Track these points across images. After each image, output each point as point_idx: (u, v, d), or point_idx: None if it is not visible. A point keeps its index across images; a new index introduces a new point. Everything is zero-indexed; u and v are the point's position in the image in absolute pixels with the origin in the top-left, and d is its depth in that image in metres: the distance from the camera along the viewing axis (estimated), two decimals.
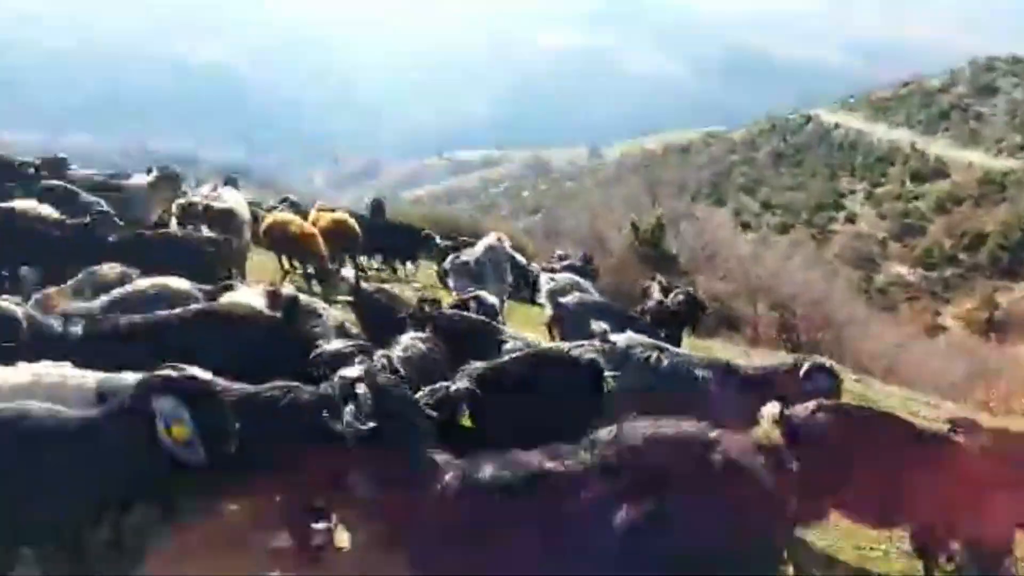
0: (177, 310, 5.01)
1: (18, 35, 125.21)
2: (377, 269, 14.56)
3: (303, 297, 5.94)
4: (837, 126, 60.14)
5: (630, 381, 4.85)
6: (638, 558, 2.87)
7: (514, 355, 4.67)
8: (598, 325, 5.51)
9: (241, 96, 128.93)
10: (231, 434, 3.23)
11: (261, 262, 11.02)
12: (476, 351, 4.72)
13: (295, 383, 3.85)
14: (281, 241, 10.86)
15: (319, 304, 5.81)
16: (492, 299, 6.71)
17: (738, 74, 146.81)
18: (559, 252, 17.31)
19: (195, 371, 3.32)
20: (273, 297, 5.84)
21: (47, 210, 8.50)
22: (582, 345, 5.18)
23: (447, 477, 3.04)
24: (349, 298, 7.29)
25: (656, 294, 8.32)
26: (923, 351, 24.82)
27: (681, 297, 7.84)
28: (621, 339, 5.29)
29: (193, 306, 5.16)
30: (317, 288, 9.86)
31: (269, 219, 11.33)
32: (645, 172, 53.96)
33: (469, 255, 9.36)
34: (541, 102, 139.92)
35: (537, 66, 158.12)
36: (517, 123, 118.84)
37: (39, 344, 4.50)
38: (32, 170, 10.59)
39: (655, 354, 5.24)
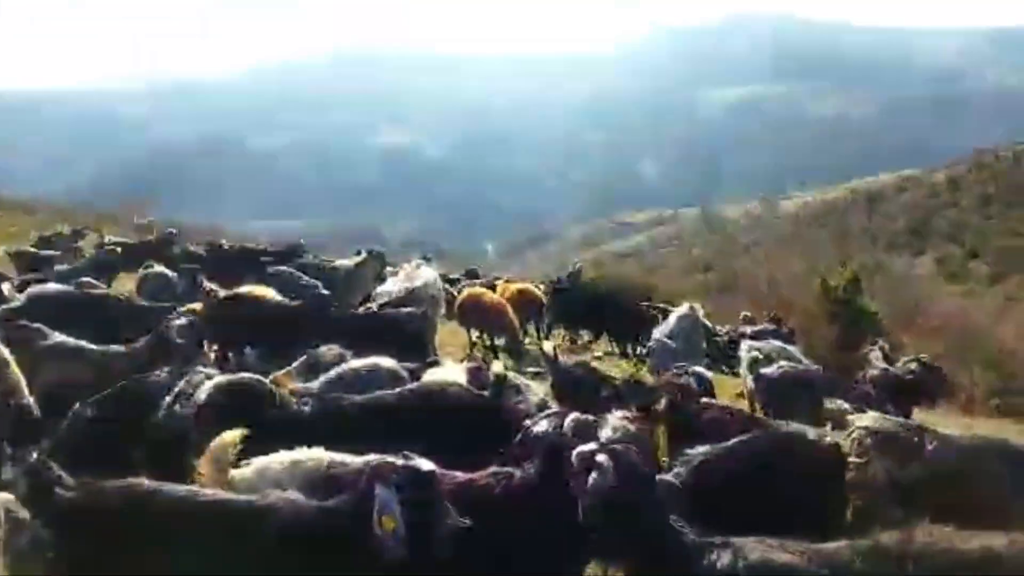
0: (395, 390, 5.31)
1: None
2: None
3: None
4: None
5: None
6: None
7: (744, 438, 4.43)
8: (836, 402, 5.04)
9: (417, 173, 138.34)
10: (442, 533, 3.13)
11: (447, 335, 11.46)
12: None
13: (509, 468, 3.91)
14: (474, 314, 11.08)
15: (522, 380, 5.93)
16: (708, 374, 6.50)
17: (937, 109, 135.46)
18: (744, 313, 16.53)
19: (420, 461, 3.30)
20: (476, 373, 6.05)
21: (271, 293, 9.52)
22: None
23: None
24: (540, 370, 7.39)
25: (878, 361, 7.56)
26: None
27: (914, 365, 7.02)
28: (868, 419, 4.74)
29: (410, 385, 5.44)
30: (508, 361, 10.11)
31: (464, 293, 11.63)
32: (829, 222, 50.80)
33: (664, 329, 9.04)
34: (711, 161, 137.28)
35: (707, 122, 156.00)
36: (686, 184, 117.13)
37: (279, 423, 4.96)
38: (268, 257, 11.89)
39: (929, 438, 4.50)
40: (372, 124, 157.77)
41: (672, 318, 9.22)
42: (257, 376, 5.61)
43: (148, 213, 27.71)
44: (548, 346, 7.22)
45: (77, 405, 5.27)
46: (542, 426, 4.60)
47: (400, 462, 3.26)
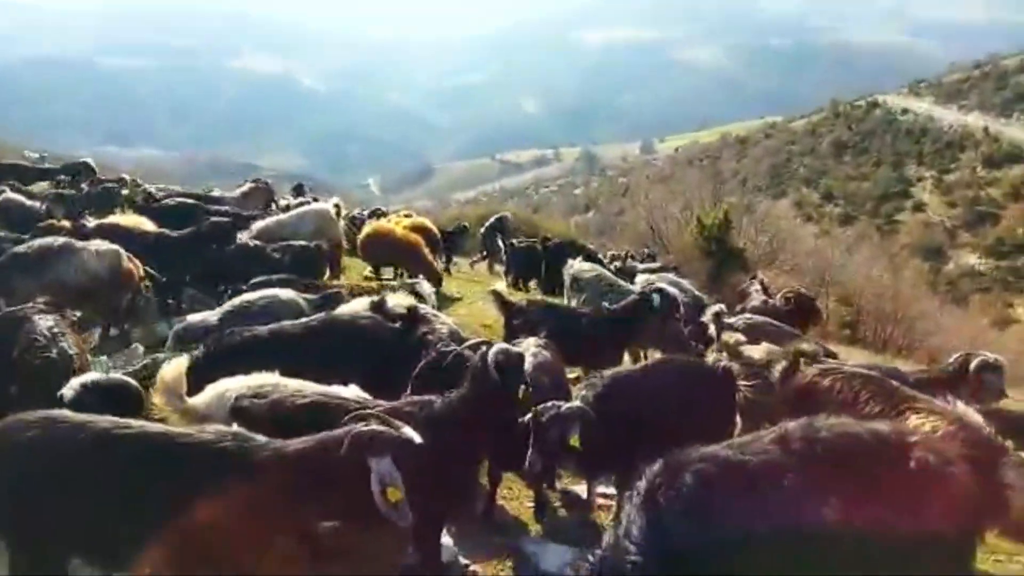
0: (300, 321, 5.19)
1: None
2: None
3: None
4: (905, 112, 58.14)
5: None
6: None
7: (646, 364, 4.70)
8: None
9: (299, 107, 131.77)
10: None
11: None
12: None
13: (429, 396, 3.95)
14: (381, 249, 10.81)
15: (430, 311, 5.94)
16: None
17: (799, 63, 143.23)
18: (626, 249, 17.12)
19: (404, 428, 3.19)
20: (380, 307, 6.00)
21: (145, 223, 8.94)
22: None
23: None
24: None
25: (758, 293, 8.10)
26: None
27: (791, 295, 7.59)
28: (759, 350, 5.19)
29: (317, 316, 5.34)
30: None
31: (368, 229, 11.28)
32: (701, 166, 53.21)
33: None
34: (590, 101, 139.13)
35: (586, 63, 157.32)
36: (567, 123, 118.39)
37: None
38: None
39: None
40: (237, 48, 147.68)
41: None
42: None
43: None
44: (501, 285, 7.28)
45: None
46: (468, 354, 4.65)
47: (394, 433, 3.12)
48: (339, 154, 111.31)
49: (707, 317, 6.59)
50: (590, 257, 11.08)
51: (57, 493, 2.99)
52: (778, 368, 4.79)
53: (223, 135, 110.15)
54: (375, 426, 3.11)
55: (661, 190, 33.62)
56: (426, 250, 10.44)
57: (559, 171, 78.95)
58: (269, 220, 9.74)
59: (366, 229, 11.32)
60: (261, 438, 3.15)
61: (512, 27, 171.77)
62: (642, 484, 3.03)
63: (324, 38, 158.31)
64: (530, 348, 4.70)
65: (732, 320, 6.82)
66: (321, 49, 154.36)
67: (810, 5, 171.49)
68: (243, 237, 8.75)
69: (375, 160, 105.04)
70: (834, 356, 5.65)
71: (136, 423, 3.19)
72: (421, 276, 8.77)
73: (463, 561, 4.32)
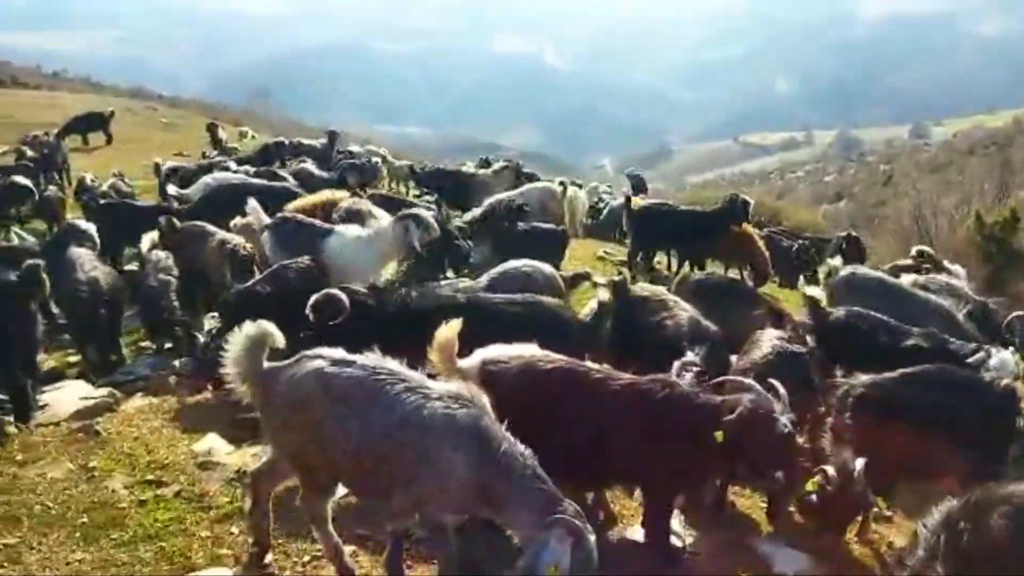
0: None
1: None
2: None
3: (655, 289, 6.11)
4: None
5: None
6: None
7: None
8: None
9: (542, 86, 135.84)
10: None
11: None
12: None
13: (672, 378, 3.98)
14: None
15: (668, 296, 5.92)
16: None
17: None
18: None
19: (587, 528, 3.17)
20: (622, 289, 6.13)
21: None
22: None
23: None
24: None
25: None
26: None
27: None
28: None
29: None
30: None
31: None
32: (985, 154, 46.25)
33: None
34: (855, 79, 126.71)
35: (855, 39, 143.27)
36: (824, 103, 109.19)
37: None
38: None
39: None
40: (492, 31, 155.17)
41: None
42: None
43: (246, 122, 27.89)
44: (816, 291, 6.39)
45: None
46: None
47: (579, 523, 3.14)
48: (577, 133, 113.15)
49: None
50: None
51: None
52: None
53: (471, 114, 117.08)
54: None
55: (933, 180, 30.00)
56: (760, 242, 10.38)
57: (809, 155, 73.23)
58: (497, 198, 10.31)
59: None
60: None
61: (769, 1, 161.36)
62: (938, 519, 2.90)
63: (573, 17, 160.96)
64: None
65: None
66: (569, 28, 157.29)
67: None
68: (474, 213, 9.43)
69: (613, 139, 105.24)
70: None
71: None
72: None
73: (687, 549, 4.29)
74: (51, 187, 12.85)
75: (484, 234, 9.13)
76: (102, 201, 10.51)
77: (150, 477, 4.69)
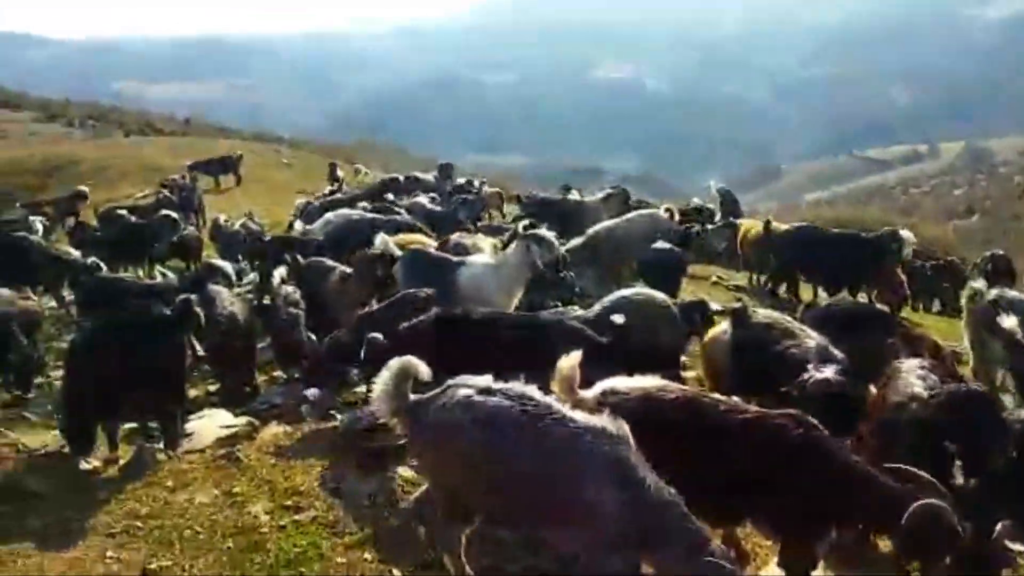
0: None
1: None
2: None
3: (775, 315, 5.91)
4: None
5: None
6: None
7: None
8: None
9: (642, 109, 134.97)
10: None
11: None
12: None
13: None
14: None
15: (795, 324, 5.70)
16: None
17: None
18: None
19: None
20: (741, 317, 5.96)
21: None
22: None
23: None
24: None
25: None
26: None
27: None
28: None
29: None
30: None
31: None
32: None
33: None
34: (983, 87, 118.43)
35: (981, 44, 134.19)
36: (948, 113, 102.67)
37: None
38: None
39: None
40: (595, 57, 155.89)
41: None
42: None
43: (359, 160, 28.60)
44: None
45: None
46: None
47: (730, 567, 3.17)
48: (680, 155, 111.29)
49: None
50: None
51: None
52: None
53: (571, 140, 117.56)
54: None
55: None
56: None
57: (934, 169, 68.81)
58: (602, 226, 10.21)
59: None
60: None
61: (881, 9, 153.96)
62: None
63: (673, 40, 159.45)
64: None
65: None
66: (670, 50, 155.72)
67: None
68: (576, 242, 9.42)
69: (717, 160, 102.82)
70: None
71: None
72: None
73: None
74: (189, 227, 13.86)
75: (588, 262, 9.09)
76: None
77: (288, 503, 4.93)
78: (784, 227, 10.96)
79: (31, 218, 14.05)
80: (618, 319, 5.75)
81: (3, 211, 19.36)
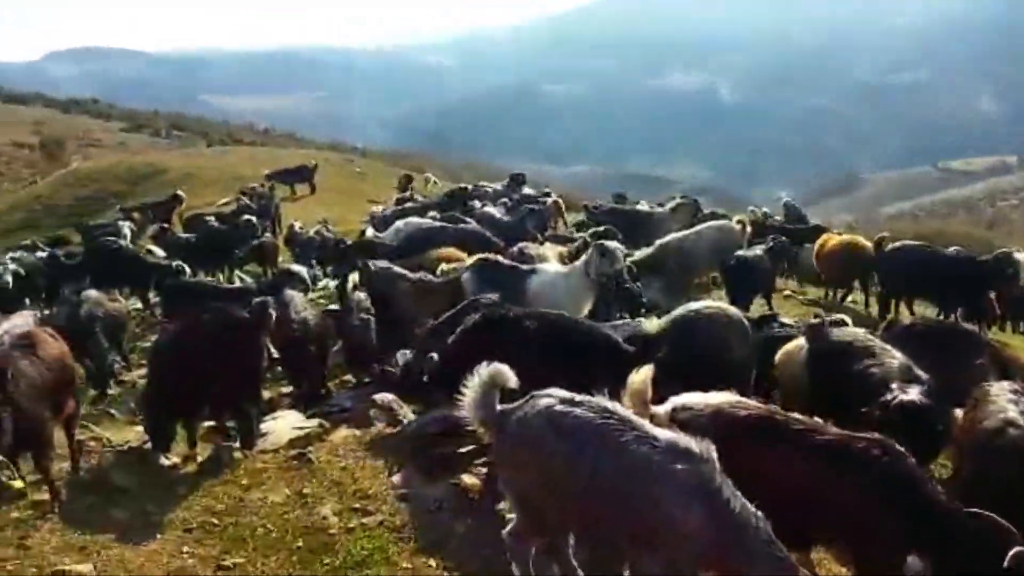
0: None
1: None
2: None
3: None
4: None
5: None
6: None
7: None
8: None
9: (714, 118, 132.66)
10: None
11: None
12: None
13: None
14: None
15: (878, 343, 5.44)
16: None
17: None
18: None
19: None
20: (817, 332, 5.76)
21: None
22: None
23: None
24: None
25: None
26: None
27: None
28: None
29: None
30: None
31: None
32: None
33: None
34: None
35: None
36: None
37: None
38: None
39: None
40: (666, 66, 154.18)
41: None
42: None
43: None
44: None
45: None
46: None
47: None
48: (750, 165, 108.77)
49: None
50: None
51: None
52: None
53: (638, 150, 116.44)
54: None
55: None
56: None
57: (1023, 181, 65.28)
58: (671, 237, 10.08)
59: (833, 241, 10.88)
60: None
61: (970, 13, 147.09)
62: None
63: (746, 48, 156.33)
64: None
65: None
66: (742, 58, 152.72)
67: None
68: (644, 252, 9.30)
69: (791, 170, 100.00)
70: None
71: None
72: None
73: None
74: (266, 234, 14.33)
75: (657, 273, 8.96)
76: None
77: (356, 505, 5.01)
78: (895, 244, 10.33)
79: (120, 223, 14.79)
80: None
81: (95, 215, 20.46)
